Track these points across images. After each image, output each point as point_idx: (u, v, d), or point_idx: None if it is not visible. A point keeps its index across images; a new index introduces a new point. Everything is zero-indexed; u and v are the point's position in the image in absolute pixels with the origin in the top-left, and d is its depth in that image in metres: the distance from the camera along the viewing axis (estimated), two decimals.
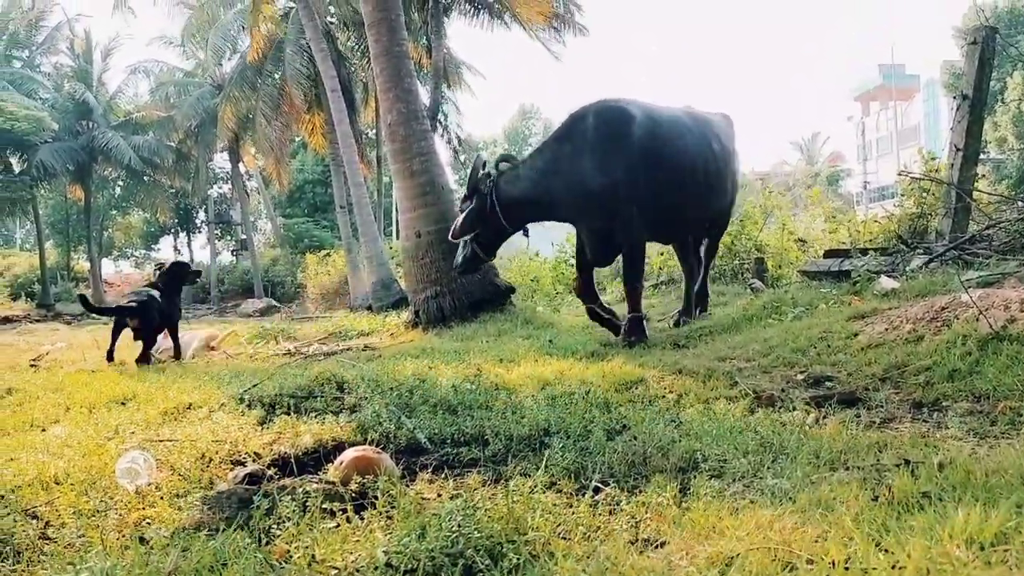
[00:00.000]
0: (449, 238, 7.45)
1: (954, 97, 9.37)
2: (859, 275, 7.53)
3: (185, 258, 41.42)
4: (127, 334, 7.75)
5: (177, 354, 8.21)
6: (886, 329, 5.22)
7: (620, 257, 7.26)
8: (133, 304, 7.62)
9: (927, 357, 4.38)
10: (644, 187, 6.70)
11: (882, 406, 3.82)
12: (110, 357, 7.59)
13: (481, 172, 7.24)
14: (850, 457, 2.91)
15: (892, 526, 2.07)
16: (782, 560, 1.98)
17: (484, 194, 7.12)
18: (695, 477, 2.79)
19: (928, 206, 9.85)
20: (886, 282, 7.13)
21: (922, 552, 1.84)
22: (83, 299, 8.62)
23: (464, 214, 7.26)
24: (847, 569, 1.88)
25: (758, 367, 5.08)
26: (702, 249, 8.19)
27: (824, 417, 3.66)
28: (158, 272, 8.52)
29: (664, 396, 4.35)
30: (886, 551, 1.92)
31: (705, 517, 2.34)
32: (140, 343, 7.66)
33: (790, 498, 2.46)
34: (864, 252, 8.59)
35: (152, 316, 7.69)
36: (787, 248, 11.79)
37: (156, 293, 7.92)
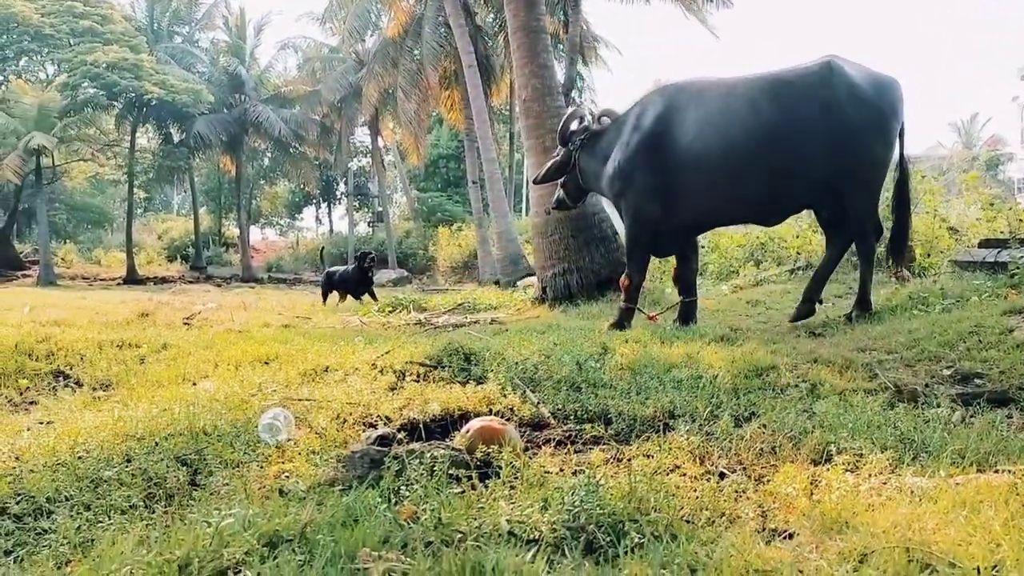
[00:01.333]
0: (531, 180, 7.72)
1: None
2: (1018, 267, 7.00)
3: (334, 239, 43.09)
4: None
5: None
6: None
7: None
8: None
9: None
10: (648, 177, 6.81)
11: None
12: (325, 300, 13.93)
13: (575, 125, 7.51)
14: (1000, 459, 2.73)
15: None
16: (920, 561, 1.89)
17: (570, 151, 7.51)
18: (828, 470, 2.69)
19: None
20: None
21: None
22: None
23: (550, 162, 7.76)
24: None
25: (900, 360, 4.83)
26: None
27: (971, 416, 3.44)
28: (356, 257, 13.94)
29: (797, 385, 4.20)
30: None
31: (838, 511, 2.25)
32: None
33: (931, 498, 2.33)
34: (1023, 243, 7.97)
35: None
36: (938, 236, 11.09)
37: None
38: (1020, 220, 9.00)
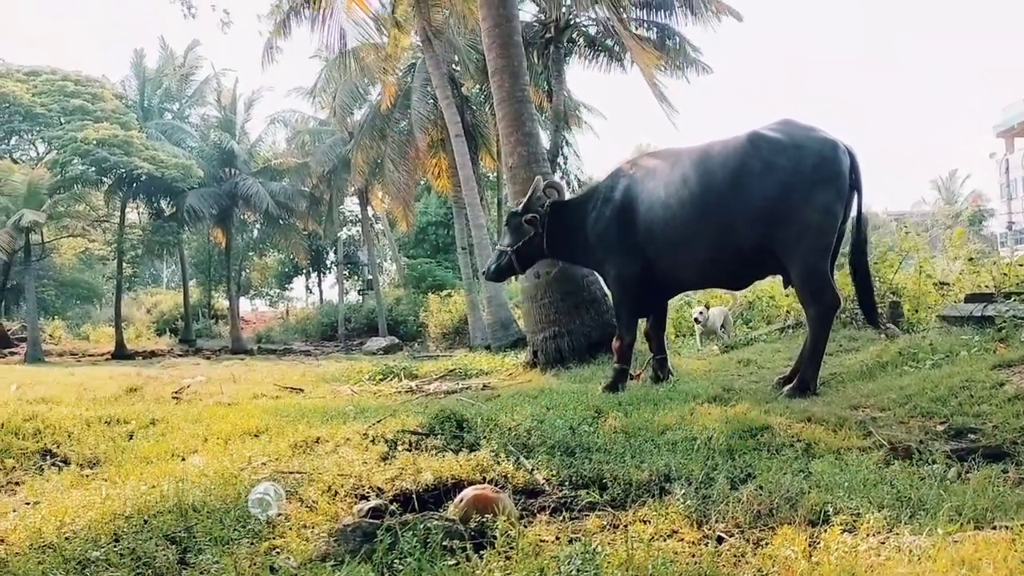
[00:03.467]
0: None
1: None
2: (1004, 321, 7.05)
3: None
4: None
5: None
6: None
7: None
8: None
9: None
10: (620, 243, 7.16)
11: None
12: None
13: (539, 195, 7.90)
14: (997, 515, 2.72)
15: None
16: None
17: (536, 219, 7.83)
18: (826, 531, 2.66)
19: None
20: None
21: None
22: None
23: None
24: None
25: (893, 417, 4.82)
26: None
27: (967, 472, 3.43)
28: None
29: (792, 445, 4.18)
30: None
31: (837, 573, 2.23)
32: None
33: (929, 556, 2.31)
34: (1009, 296, 8.04)
35: None
36: (925, 291, 11.18)
37: None
38: (1004, 274, 9.09)
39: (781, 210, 6.12)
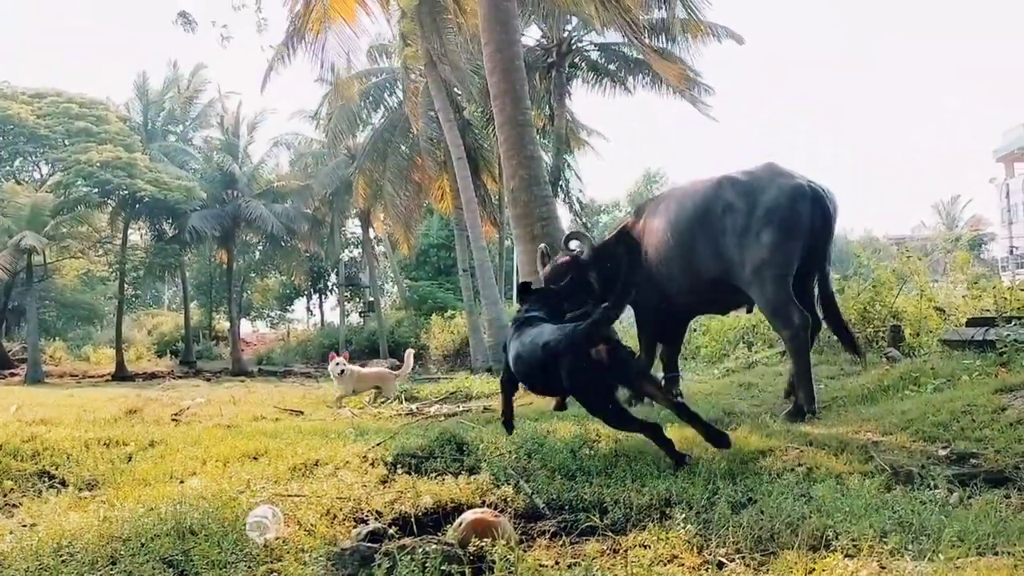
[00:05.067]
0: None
1: None
2: (1006, 345, 7.03)
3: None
4: None
5: None
6: None
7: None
8: None
9: None
10: (637, 272, 7.39)
11: None
12: None
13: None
14: (999, 541, 2.70)
15: None
16: None
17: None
18: (827, 556, 2.65)
19: None
20: None
21: None
22: None
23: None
24: None
25: (895, 441, 4.80)
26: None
27: (969, 497, 3.41)
28: None
29: (793, 469, 4.16)
30: None
31: None
32: None
33: None
34: (1010, 321, 8.02)
35: None
36: (926, 315, 11.15)
37: None
38: (1005, 298, 9.08)
39: (736, 248, 6.49)
